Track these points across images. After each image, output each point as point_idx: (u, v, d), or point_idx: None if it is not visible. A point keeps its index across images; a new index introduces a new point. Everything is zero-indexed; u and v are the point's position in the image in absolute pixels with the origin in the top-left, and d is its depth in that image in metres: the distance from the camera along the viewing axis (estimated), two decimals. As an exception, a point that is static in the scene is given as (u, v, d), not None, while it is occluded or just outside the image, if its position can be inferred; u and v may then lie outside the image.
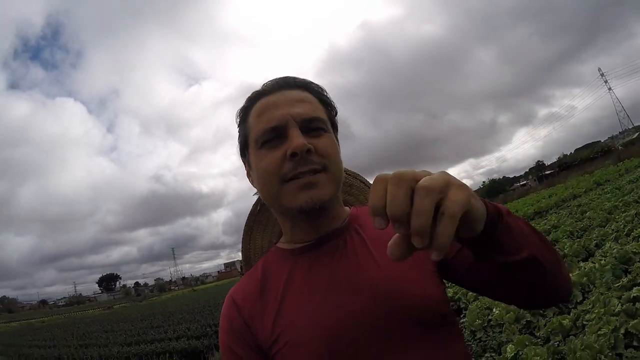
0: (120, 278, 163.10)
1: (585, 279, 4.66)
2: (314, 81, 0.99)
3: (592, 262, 5.40)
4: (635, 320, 3.14)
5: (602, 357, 2.86)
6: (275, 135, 0.87)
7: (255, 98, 0.95)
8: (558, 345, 3.26)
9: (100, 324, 24.30)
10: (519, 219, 0.74)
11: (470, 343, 4.58)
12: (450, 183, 0.53)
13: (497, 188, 70.78)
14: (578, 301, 4.21)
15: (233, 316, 0.91)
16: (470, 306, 5.50)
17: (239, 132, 0.99)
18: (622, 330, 3.09)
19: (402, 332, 0.80)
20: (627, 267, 4.77)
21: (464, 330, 4.98)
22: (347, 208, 1.04)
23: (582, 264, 5.73)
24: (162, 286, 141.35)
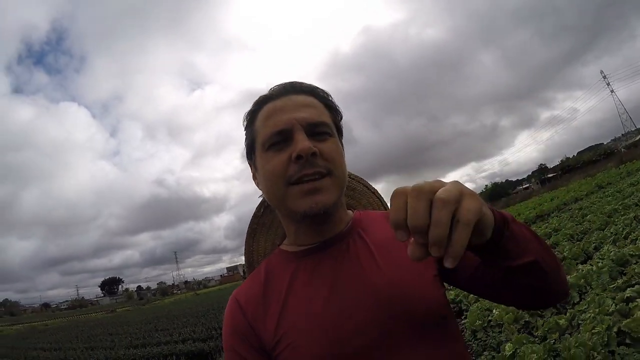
0: (122, 282, 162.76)
1: (582, 280, 4.78)
2: (319, 86, 1.00)
3: (590, 265, 5.50)
4: (628, 319, 3.25)
5: (595, 354, 2.99)
6: (282, 138, 0.88)
7: (262, 102, 0.96)
8: (554, 343, 3.39)
9: (104, 327, 24.31)
10: (522, 225, 0.78)
11: (471, 342, 4.71)
12: (463, 193, 0.57)
13: (499, 192, 70.53)
14: (575, 302, 4.33)
15: (237, 317, 0.92)
16: (471, 308, 5.62)
17: (245, 135, 1.01)
18: (615, 329, 3.20)
19: (404, 335, 0.81)
20: (623, 269, 4.88)
21: (465, 330, 5.12)
22: (350, 212, 1.05)
23: (580, 266, 5.84)
24: (164, 290, 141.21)
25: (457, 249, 0.54)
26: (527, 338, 3.65)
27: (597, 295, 4.04)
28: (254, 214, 1.19)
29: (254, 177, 1.02)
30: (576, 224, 10.62)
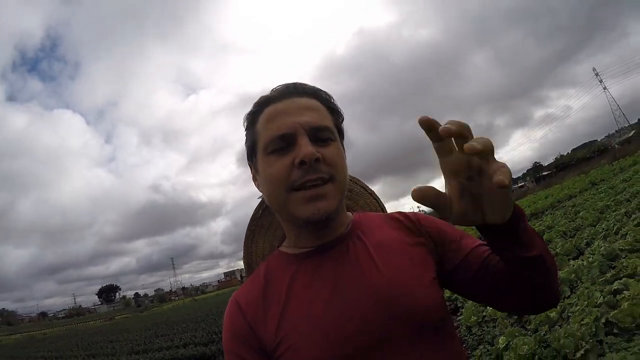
0: (120, 289, 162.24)
1: (573, 275, 4.93)
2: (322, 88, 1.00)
3: (582, 260, 5.64)
4: (616, 311, 3.38)
5: (584, 343, 3.12)
6: (284, 143, 0.87)
7: (263, 103, 0.95)
8: (544, 335, 3.53)
9: (104, 335, 24.30)
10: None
11: (466, 338, 4.86)
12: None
13: (494, 190, 70.60)
14: (566, 296, 4.45)
15: (237, 320, 0.91)
16: (466, 305, 5.75)
17: (246, 136, 1.00)
18: (603, 320, 3.34)
19: (404, 336, 0.82)
20: (613, 263, 5.02)
21: (460, 326, 5.27)
22: (349, 214, 1.05)
23: (572, 262, 5.97)
24: (162, 296, 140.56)
25: (503, 174, 0.59)
26: (519, 331, 3.78)
27: (587, 288, 4.18)
28: (253, 215, 1.19)
29: (254, 179, 1.01)
30: (569, 221, 10.77)
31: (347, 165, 0.96)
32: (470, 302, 5.72)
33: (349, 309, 0.83)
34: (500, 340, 3.87)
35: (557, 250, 7.33)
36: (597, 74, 75.61)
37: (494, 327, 4.53)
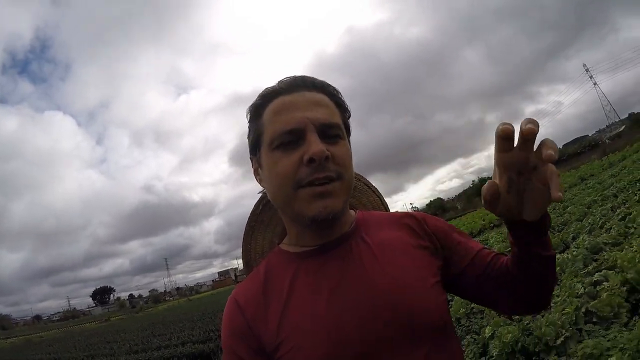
0: (114, 291, 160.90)
1: (558, 268, 5.12)
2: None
3: (567, 254, 5.84)
4: (595, 301, 3.60)
5: (564, 331, 3.33)
6: (292, 138, 0.84)
7: (270, 95, 0.91)
8: (528, 324, 3.72)
9: (100, 336, 24.28)
10: None
11: (455, 328, 5.05)
12: None
13: (487, 186, 71.00)
14: (550, 288, 4.68)
15: (236, 318, 0.89)
16: (455, 297, 5.95)
17: (249, 129, 0.96)
18: (584, 309, 3.56)
19: (406, 337, 0.80)
20: (596, 256, 5.26)
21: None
22: (352, 211, 1.02)
23: (558, 255, 6.08)
24: (156, 297, 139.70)
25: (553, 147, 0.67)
26: (504, 321, 3.98)
27: (570, 280, 4.40)
28: (252, 211, 1.15)
29: (256, 174, 0.99)
30: (557, 216, 10.98)
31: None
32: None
33: (352, 308, 0.82)
34: (486, 330, 4.08)
35: (545, 244, 7.51)
36: (587, 70, 75.72)
37: (482, 318, 4.74)
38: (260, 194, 1.12)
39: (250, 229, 1.16)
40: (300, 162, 0.83)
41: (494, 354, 3.67)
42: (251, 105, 0.95)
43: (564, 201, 14.09)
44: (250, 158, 0.99)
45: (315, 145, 0.82)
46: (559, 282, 4.58)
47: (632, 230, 5.95)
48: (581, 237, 6.91)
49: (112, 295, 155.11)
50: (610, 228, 6.71)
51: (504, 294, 0.92)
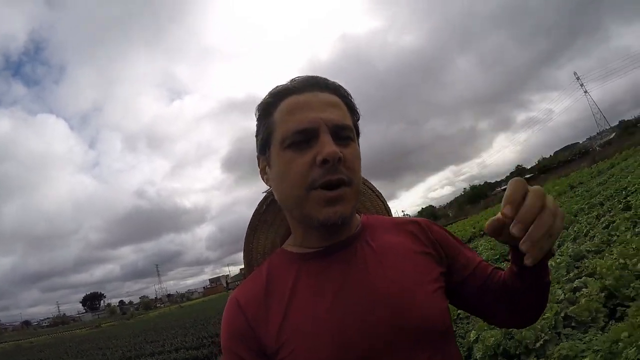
0: (104, 297, 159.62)
1: (541, 275, 5.32)
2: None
3: (551, 261, 6.01)
4: (574, 306, 3.79)
5: (543, 335, 3.51)
6: (304, 138, 0.84)
7: (282, 94, 0.90)
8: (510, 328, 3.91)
9: (92, 342, 24.21)
10: None
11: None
12: (559, 212, 0.69)
13: (478, 194, 71.14)
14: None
15: (237, 319, 0.88)
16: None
17: (258, 127, 0.95)
18: (563, 314, 3.74)
19: (408, 342, 0.80)
20: (578, 263, 5.47)
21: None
22: (357, 215, 1.00)
23: None
24: (147, 304, 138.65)
25: (537, 254, 0.67)
26: (488, 326, 4.09)
27: (551, 287, 4.57)
28: (256, 210, 1.12)
29: (263, 172, 0.97)
30: (545, 224, 11.17)
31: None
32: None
33: (356, 312, 0.81)
34: (471, 334, 4.26)
35: (531, 252, 7.70)
36: (578, 78, 76.69)
37: (468, 323, 4.91)
38: (264, 194, 1.10)
39: (253, 228, 1.12)
40: (312, 162, 0.82)
41: (478, 357, 3.85)
42: (261, 103, 0.94)
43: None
44: (258, 157, 0.98)
45: (329, 146, 0.81)
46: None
47: (614, 238, 6.10)
48: (565, 245, 7.12)
49: (102, 302, 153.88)
50: (594, 236, 6.88)
51: (502, 307, 0.93)
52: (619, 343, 2.86)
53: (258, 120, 0.95)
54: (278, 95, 0.90)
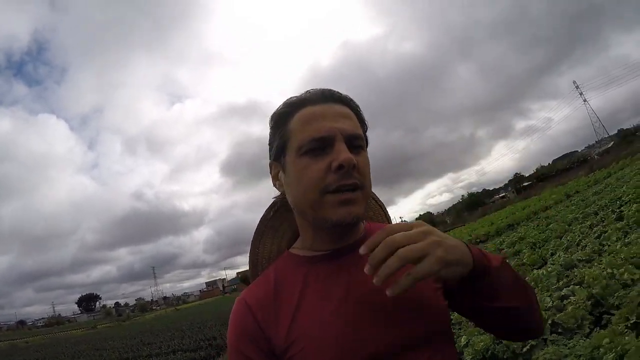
0: (100, 298, 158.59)
1: (532, 283, 5.48)
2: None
3: (543, 270, 6.15)
4: (562, 313, 3.92)
5: (530, 340, 3.65)
6: (320, 145, 0.88)
7: (297, 104, 0.94)
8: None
9: (88, 343, 24.06)
10: (509, 272, 0.86)
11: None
12: (428, 249, 0.72)
13: (476, 201, 71.02)
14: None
15: (247, 320, 0.90)
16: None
17: (273, 135, 0.98)
18: (550, 321, 3.86)
19: (412, 342, 0.83)
20: (569, 272, 5.56)
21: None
22: (360, 223, 1.03)
23: (535, 271, 6.48)
24: (143, 306, 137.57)
25: (395, 289, 0.72)
26: (479, 331, 4.25)
27: (541, 295, 4.73)
28: (264, 216, 1.15)
29: (275, 178, 1.01)
30: (540, 232, 11.31)
31: None
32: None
33: (361, 315, 0.85)
34: (462, 339, 4.39)
35: (524, 260, 7.89)
36: (577, 87, 76.72)
37: (460, 329, 5.03)
38: (275, 199, 1.13)
39: (260, 233, 1.15)
40: (328, 168, 0.86)
41: None
42: (275, 113, 0.98)
43: (548, 218, 14.46)
44: (270, 164, 1.02)
45: (344, 153, 0.85)
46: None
47: (605, 247, 6.22)
48: (557, 254, 7.25)
49: (98, 303, 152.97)
50: (586, 246, 6.99)
51: (492, 322, 0.94)
52: (600, 349, 2.98)
53: (272, 128, 0.98)
54: (294, 106, 0.95)
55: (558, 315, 3.93)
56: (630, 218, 7.42)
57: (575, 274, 5.09)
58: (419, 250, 0.72)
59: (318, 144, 0.87)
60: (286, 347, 0.84)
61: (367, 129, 1.00)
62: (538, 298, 4.51)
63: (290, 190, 0.94)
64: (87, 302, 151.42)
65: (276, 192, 1.06)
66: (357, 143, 0.91)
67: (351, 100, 0.98)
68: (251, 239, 1.15)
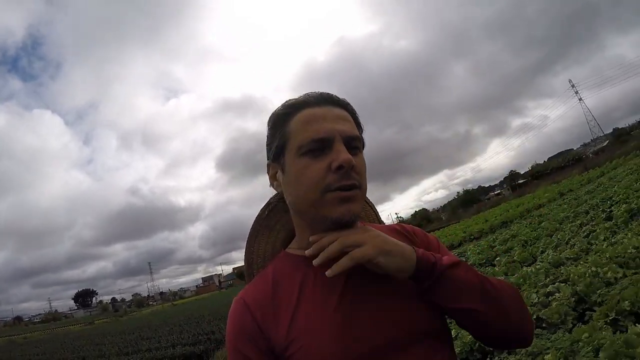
0: (96, 294, 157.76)
1: (521, 280, 5.72)
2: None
3: (532, 267, 6.35)
4: (546, 309, 4.12)
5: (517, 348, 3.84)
6: (320, 146, 0.89)
7: (297, 106, 0.95)
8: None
9: (87, 338, 24.01)
10: (461, 270, 0.87)
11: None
12: (371, 238, 0.85)
13: (471, 198, 70.96)
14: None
15: (245, 319, 0.90)
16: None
17: (272, 136, 0.98)
18: (535, 316, 4.06)
19: (411, 340, 0.85)
20: (556, 270, 5.76)
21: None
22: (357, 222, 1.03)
23: (525, 268, 6.67)
24: (140, 301, 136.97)
25: (334, 269, 0.83)
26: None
27: (527, 291, 4.95)
28: (259, 215, 1.15)
29: (274, 179, 1.02)
30: (531, 230, 11.48)
31: None
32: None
33: (358, 313, 0.86)
34: (452, 332, 4.54)
35: (515, 257, 8.09)
36: (572, 86, 76.37)
37: (450, 322, 5.16)
38: (273, 198, 1.14)
39: (255, 232, 1.15)
40: (328, 168, 0.87)
41: (456, 352, 4.15)
42: (274, 114, 0.99)
43: (540, 216, 14.62)
44: (268, 164, 1.02)
45: (344, 154, 0.87)
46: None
47: (593, 246, 6.44)
48: (547, 252, 7.45)
49: (94, 299, 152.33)
50: (574, 244, 7.20)
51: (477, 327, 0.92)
52: (579, 342, 3.17)
53: (271, 129, 0.99)
54: (293, 107, 0.96)
55: (543, 310, 4.12)
56: (619, 218, 7.64)
57: (562, 271, 5.29)
58: (359, 239, 0.85)
59: (318, 145, 0.89)
60: (286, 346, 0.85)
61: (363, 131, 1.02)
62: (524, 294, 4.82)
63: (289, 190, 0.95)
64: (84, 297, 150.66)
65: (272, 190, 1.07)
66: (355, 145, 0.93)
67: (348, 104, 1.00)
68: (246, 237, 1.16)
